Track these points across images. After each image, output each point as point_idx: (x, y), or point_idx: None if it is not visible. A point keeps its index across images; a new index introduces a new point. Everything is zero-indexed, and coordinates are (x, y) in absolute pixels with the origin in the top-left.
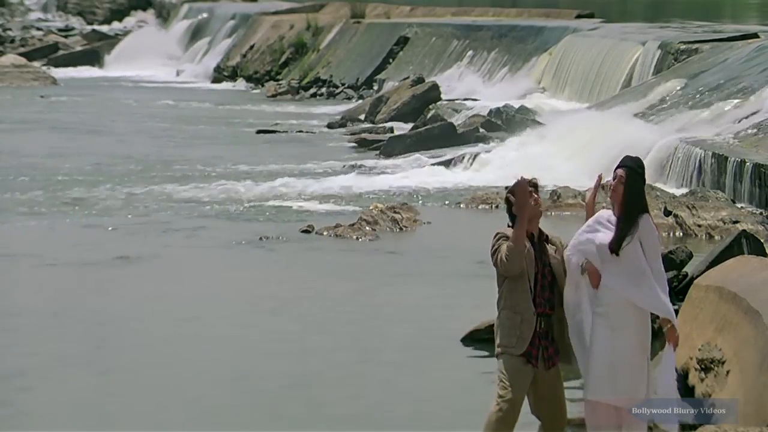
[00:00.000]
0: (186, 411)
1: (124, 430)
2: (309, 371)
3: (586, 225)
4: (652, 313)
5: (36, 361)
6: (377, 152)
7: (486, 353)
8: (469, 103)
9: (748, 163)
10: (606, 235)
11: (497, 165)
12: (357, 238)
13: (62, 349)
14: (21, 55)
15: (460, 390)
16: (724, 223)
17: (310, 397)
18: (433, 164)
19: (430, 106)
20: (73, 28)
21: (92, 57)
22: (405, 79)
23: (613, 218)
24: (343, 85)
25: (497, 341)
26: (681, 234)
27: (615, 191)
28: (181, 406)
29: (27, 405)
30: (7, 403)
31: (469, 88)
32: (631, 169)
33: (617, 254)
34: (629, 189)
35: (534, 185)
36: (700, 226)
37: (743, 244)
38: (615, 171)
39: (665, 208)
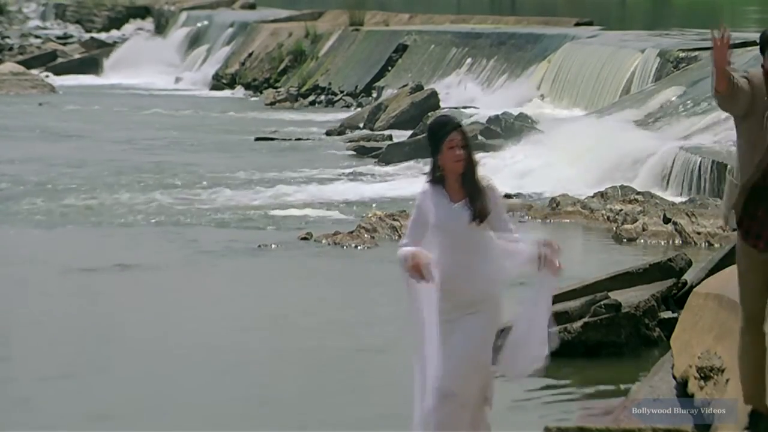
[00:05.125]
0: (183, 414)
1: (121, 430)
2: (307, 378)
3: (414, 214)
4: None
5: (33, 364)
6: (376, 160)
7: None
8: (468, 111)
9: None
10: (447, 212)
11: (496, 172)
12: (356, 246)
13: (58, 354)
14: (19, 62)
15: None
16: (724, 230)
17: (309, 403)
18: None
19: (429, 114)
20: (71, 36)
21: (91, 65)
22: (404, 86)
23: (441, 192)
24: (341, 92)
25: None
26: (680, 242)
27: (458, 159)
28: (176, 408)
29: (22, 406)
30: (6, 405)
31: (468, 95)
32: (462, 127)
33: (480, 222)
34: (469, 148)
35: None
36: (699, 233)
37: None
38: (449, 137)
39: (664, 216)
